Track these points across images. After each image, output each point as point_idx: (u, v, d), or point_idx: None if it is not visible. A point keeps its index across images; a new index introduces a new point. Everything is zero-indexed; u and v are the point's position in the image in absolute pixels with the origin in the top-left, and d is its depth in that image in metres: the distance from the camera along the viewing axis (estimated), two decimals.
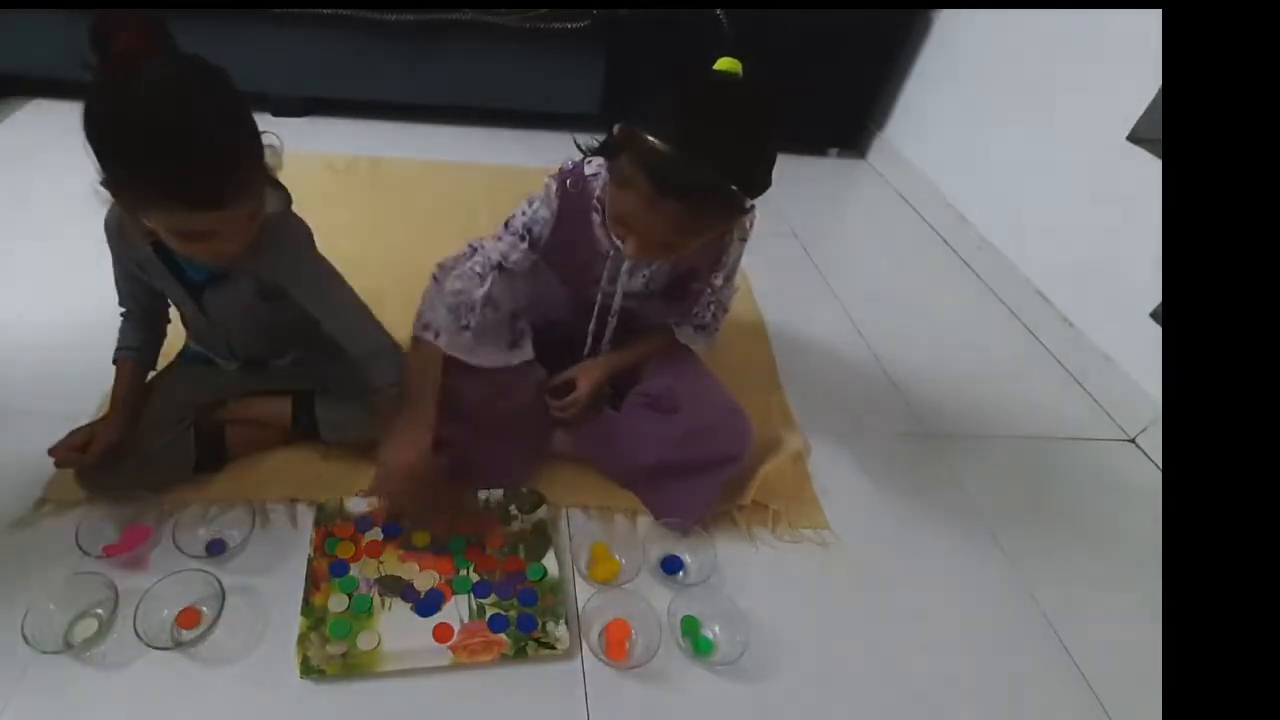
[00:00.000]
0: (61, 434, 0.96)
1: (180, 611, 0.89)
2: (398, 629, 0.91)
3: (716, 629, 0.96)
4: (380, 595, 0.94)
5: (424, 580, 0.97)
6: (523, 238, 0.99)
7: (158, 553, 0.96)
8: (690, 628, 0.95)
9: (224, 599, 0.89)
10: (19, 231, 1.56)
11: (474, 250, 1.01)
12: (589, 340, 1.13)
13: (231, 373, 1.09)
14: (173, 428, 1.03)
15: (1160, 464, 1.37)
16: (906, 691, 0.95)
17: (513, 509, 1.07)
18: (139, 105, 0.70)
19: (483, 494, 1.08)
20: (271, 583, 0.95)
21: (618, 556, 1.04)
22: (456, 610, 0.94)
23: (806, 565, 1.09)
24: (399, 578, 0.97)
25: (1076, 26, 1.65)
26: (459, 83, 2.17)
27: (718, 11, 1.59)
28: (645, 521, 1.11)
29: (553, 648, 0.91)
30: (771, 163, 0.84)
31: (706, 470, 1.07)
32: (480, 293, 0.97)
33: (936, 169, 2.16)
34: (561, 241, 1.01)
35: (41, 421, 1.01)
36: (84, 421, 0.99)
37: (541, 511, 1.07)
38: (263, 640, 0.89)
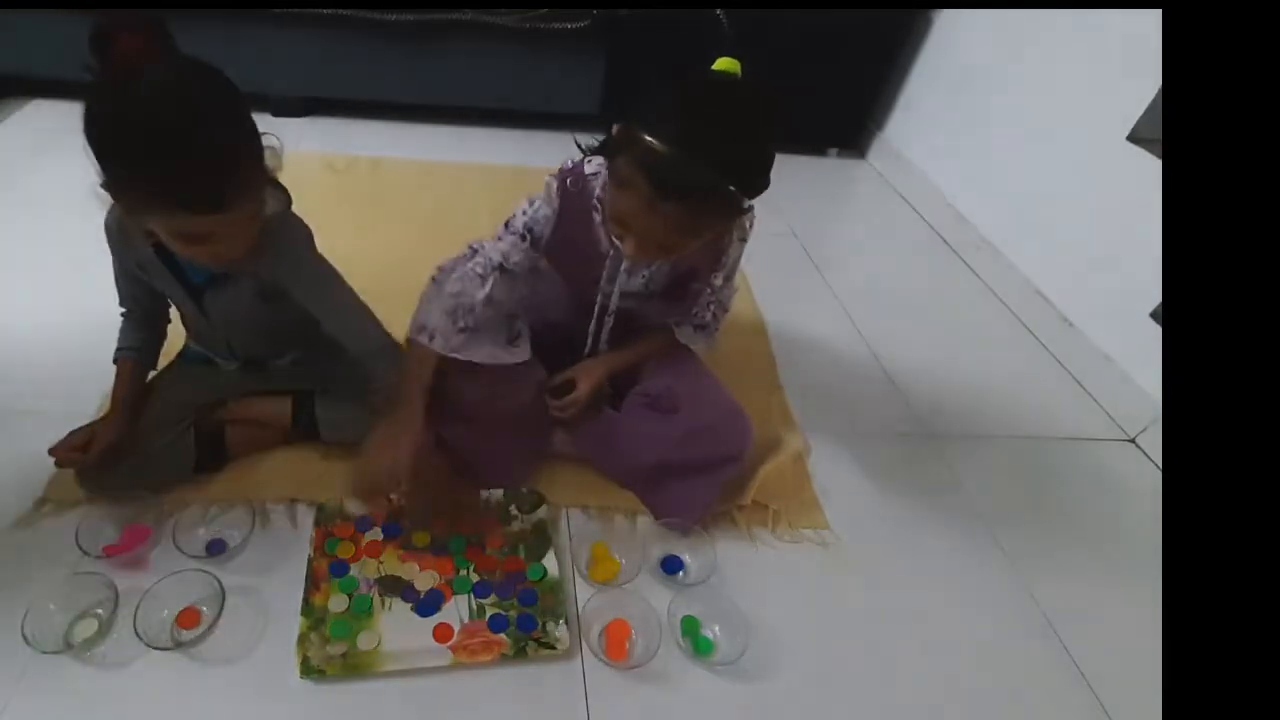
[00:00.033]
0: (61, 434, 0.96)
1: (180, 611, 0.89)
2: (398, 629, 0.91)
3: (716, 629, 0.96)
4: (380, 595, 0.94)
5: (424, 580, 0.97)
6: (524, 237, 0.99)
7: (158, 553, 0.96)
8: (690, 628, 0.95)
9: (224, 599, 0.89)
10: (19, 231, 1.56)
11: (474, 252, 1.01)
12: (589, 340, 1.13)
13: (231, 373, 1.09)
14: (173, 428, 1.03)
15: (1160, 464, 1.37)
16: (906, 691, 0.95)
17: (513, 509, 1.07)
18: (139, 109, 0.70)
19: (483, 494, 1.08)
20: (271, 583, 0.95)
21: (618, 556, 1.04)
22: (456, 610, 0.94)
23: (806, 565, 1.09)
24: (399, 578, 0.97)
25: (1076, 26, 1.65)
26: (459, 83, 2.17)
27: (718, 11, 1.59)
28: (645, 521, 1.11)
29: (553, 648, 0.91)
30: (770, 163, 0.84)
31: (706, 470, 1.07)
32: (481, 294, 0.97)
33: (936, 169, 2.16)
34: (562, 241, 1.01)
35: (41, 421, 1.01)
36: (84, 421, 0.99)
37: (541, 511, 1.07)
38: (263, 640, 0.89)
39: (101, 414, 1.00)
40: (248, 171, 0.78)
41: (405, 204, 1.88)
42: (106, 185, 0.75)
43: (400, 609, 0.93)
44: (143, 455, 1.00)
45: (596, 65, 2.17)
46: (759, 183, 0.83)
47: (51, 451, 0.94)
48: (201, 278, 0.94)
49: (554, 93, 2.23)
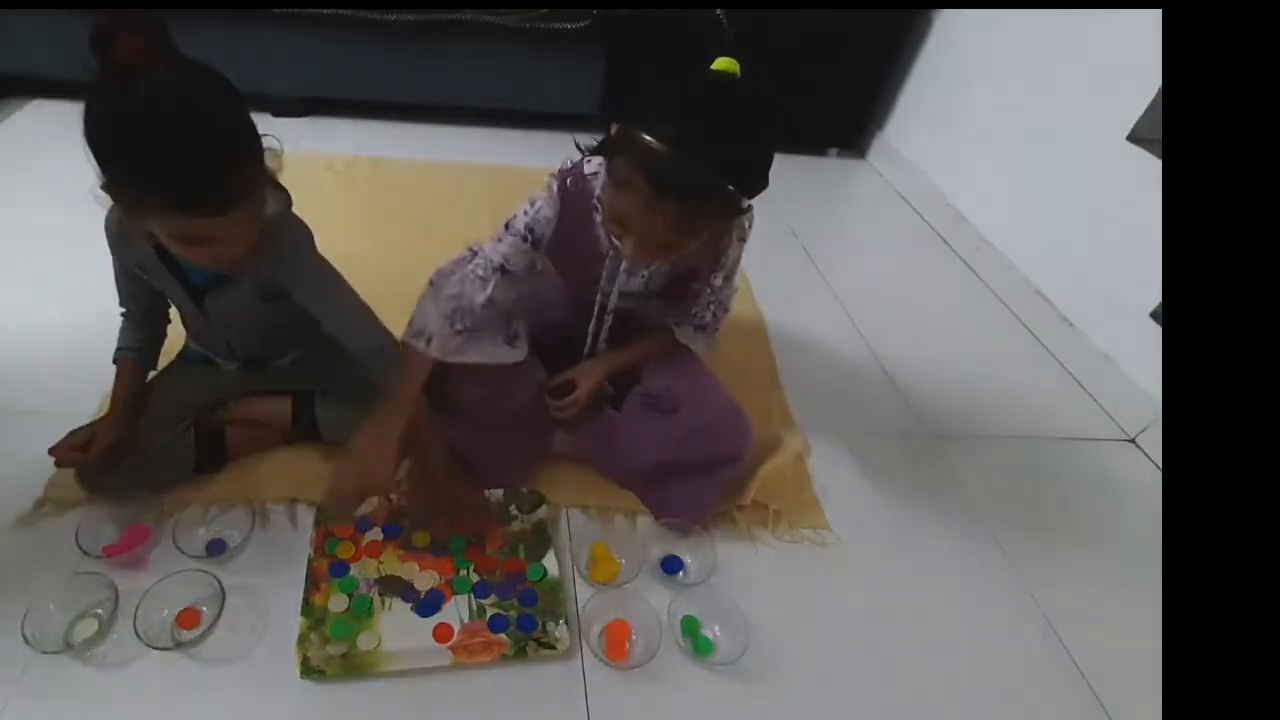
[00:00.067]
0: (61, 434, 0.96)
1: (180, 611, 0.89)
2: (398, 629, 0.91)
3: (716, 629, 0.96)
4: (380, 595, 0.94)
5: (424, 580, 0.97)
6: (525, 238, 0.99)
7: (158, 553, 0.96)
8: (690, 628, 0.95)
9: (224, 599, 0.89)
10: (19, 231, 1.56)
11: (473, 254, 1.01)
12: (588, 340, 1.13)
13: (231, 373, 1.09)
14: (173, 428, 1.03)
15: (1160, 464, 1.37)
16: (906, 691, 0.95)
17: (513, 509, 1.07)
18: (140, 111, 0.70)
19: (484, 494, 1.08)
20: (271, 583, 0.95)
21: (618, 556, 1.04)
22: (456, 610, 0.94)
23: (806, 565, 1.09)
24: (399, 578, 0.97)
25: (1076, 26, 1.65)
26: (459, 83, 2.17)
27: (718, 11, 1.59)
28: (645, 521, 1.11)
29: (553, 648, 0.91)
30: (769, 163, 0.84)
31: (706, 470, 1.07)
32: (482, 297, 0.97)
33: (936, 169, 2.16)
34: (562, 241, 1.01)
35: (41, 421, 1.01)
36: (84, 421, 0.99)
37: (541, 511, 1.07)
38: (263, 640, 0.89)
39: (101, 414, 1.00)
40: (248, 174, 0.78)
41: (405, 204, 1.88)
42: (106, 187, 0.75)
43: (400, 609, 0.93)
44: (143, 455, 1.00)
45: (596, 65, 2.17)
46: (758, 182, 0.83)
47: (51, 451, 0.94)
48: (202, 278, 0.94)
49: (554, 93, 2.23)
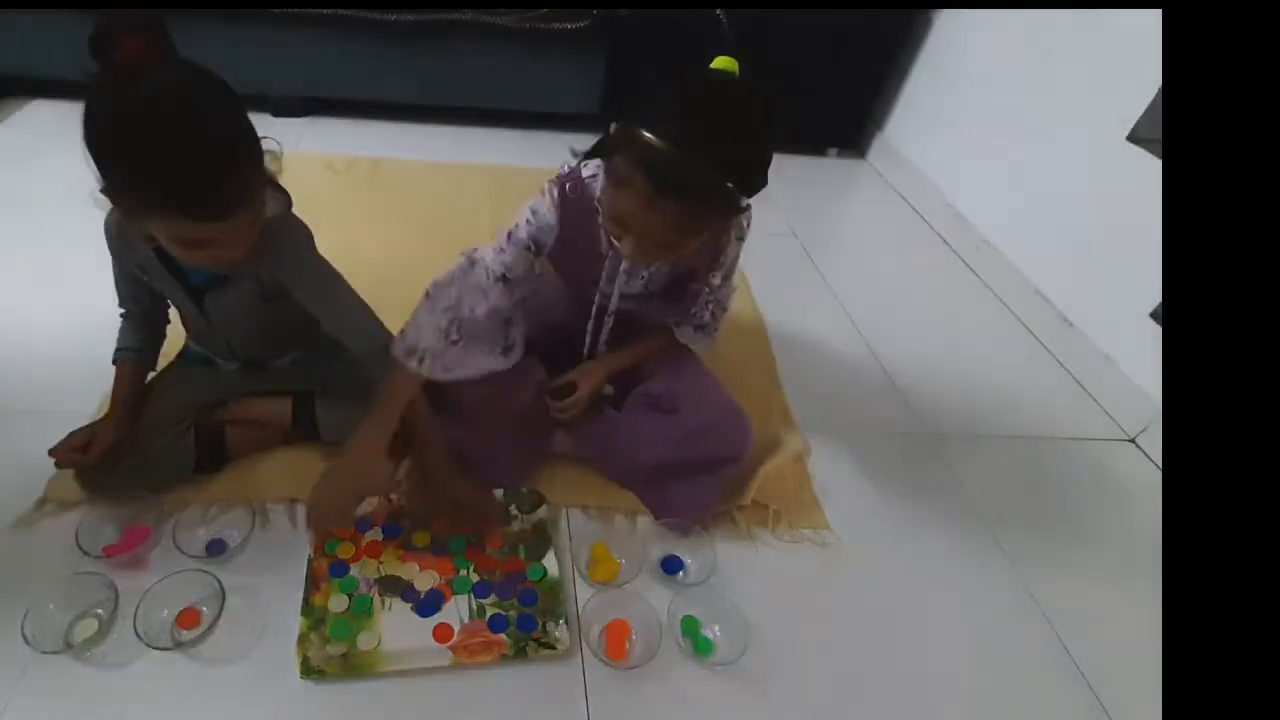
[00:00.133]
0: (61, 434, 0.96)
1: (180, 611, 0.89)
2: (398, 629, 0.91)
3: (716, 629, 0.96)
4: (380, 595, 0.94)
5: (424, 580, 0.97)
6: (528, 248, 0.98)
7: (158, 553, 0.96)
8: (690, 628, 0.95)
9: (224, 599, 0.89)
10: (19, 231, 1.56)
11: (471, 264, 0.98)
12: (588, 341, 1.13)
13: (231, 373, 1.09)
14: (173, 428, 1.03)
15: (1160, 464, 1.37)
16: (906, 691, 0.95)
17: (513, 509, 1.07)
18: (139, 116, 0.70)
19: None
20: (271, 583, 0.95)
21: (618, 556, 1.04)
22: (456, 610, 0.94)
23: (806, 565, 1.09)
24: (399, 578, 0.97)
25: (1076, 26, 1.65)
26: (459, 83, 2.17)
27: (718, 11, 1.59)
28: (645, 521, 1.11)
29: (553, 648, 0.91)
30: (769, 162, 0.84)
31: (706, 470, 1.07)
32: (483, 309, 0.96)
33: (936, 169, 2.16)
34: (563, 244, 1.01)
35: (41, 421, 1.01)
36: (84, 422, 1.00)
37: (541, 511, 1.07)
38: (263, 640, 0.89)
39: (101, 414, 1.00)
40: (248, 177, 0.78)
41: (405, 204, 1.87)
42: (105, 190, 0.75)
43: (400, 609, 0.93)
44: (143, 455, 1.00)
45: (596, 65, 2.17)
46: (757, 181, 0.83)
47: (51, 452, 0.94)
48: (202, 278, 0.94)
49: (554, 93, 2.23)
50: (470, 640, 0.91)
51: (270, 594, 0.94)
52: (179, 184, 0.72)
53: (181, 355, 1.11)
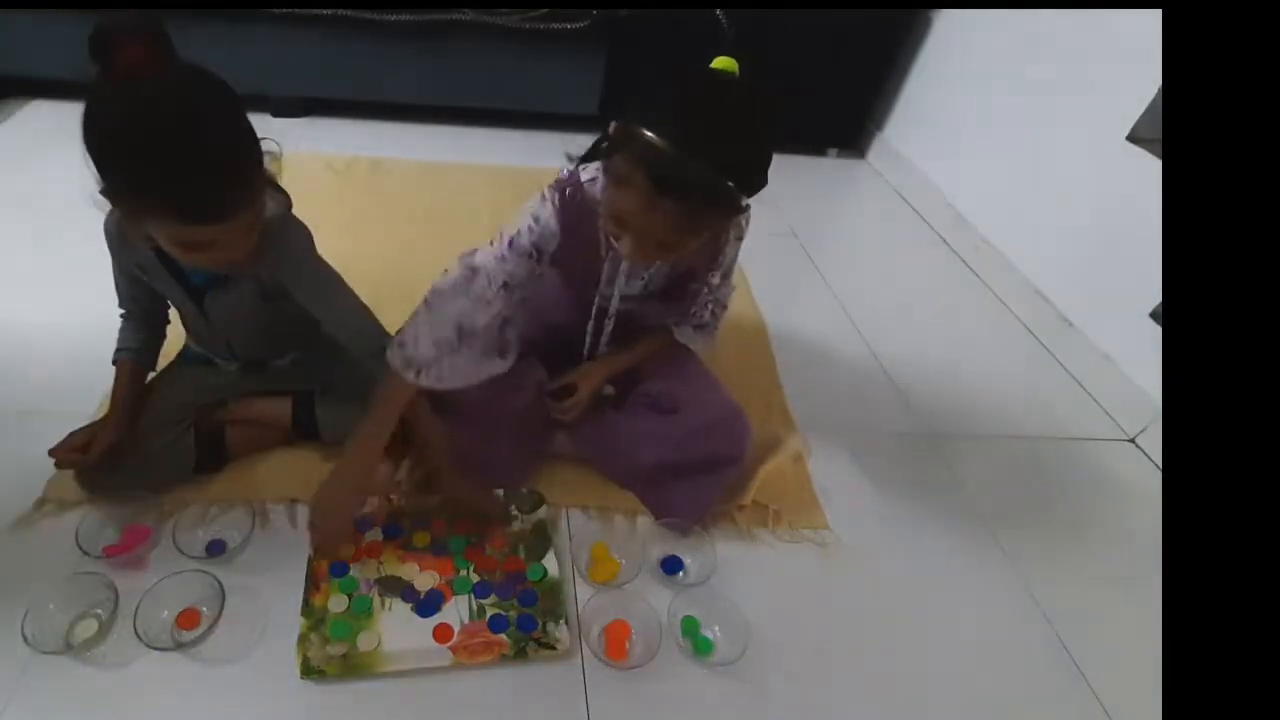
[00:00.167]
0: (61, 434, 0.96)
1: (180, 611, 0.89)
2: (398, 629, 0.91)
3: (716, 629, 0.96)
4: (380, 595, 0.94)
5: (424, 580, 0.97)
6: (531, 255, 0.97)
7: (158, 553, 0.96)
8: (690, 628, 0.95)
9: (224, 599, 0.89)
10: (19, 232, 1.56)
11: (473, 272, 0.96)
12: (588, 342, 1.13)
13: (231, 373, 1.09)
14: (173, 428, 1.03)
15: (1160, 464, 1.37)
16: (906, 691, 0.95)
17: (513, 509, 1.07)
18: (139, 119, 0.70)
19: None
20: (271, 583, 0.95)
21: (618, 556, 1.04)
22: (456, 610, 0.94)
23: (806, 565, 1.09)
24: (399, 578, 0.97)
25: (1076, 26, 1.65)
26: (459, 83, 2.17)
27: (718, 11, 1.59)
28: (645, 521, 1.11)
29: (553, 648, 0.91)
30: (769, 162, 0.83)
31: (706, 470, 1.07)
32: (485, 319, 0.95)
33: (936, 169, 2.16)
34: (564, 247, 1.00)
35: (41, 421, 1.01)
36: (84, 422, 0.99)
37: (541, 511, 1.07)
38: (263, 640, 0.89)
39: (101, 414, 1.00)
40: (248, 180, 0.78)
41: (405, 204, 1.87)
42: (105, 192, 0.75)
43: (400, 609, 0.93)
44: (143, 455, 1.00)
45: (596, 65, 2.17)
46: (757, 181, 0.83)
47: (51, 452, 0.94)
48: (202, 279, 0.94)
49: (554, 93, 2.23)
50: (470, 640, 0.91)
51: (270, 594, 0.94)
52: (179, 186, 0.72)
53: (181, 355, 1.11)
